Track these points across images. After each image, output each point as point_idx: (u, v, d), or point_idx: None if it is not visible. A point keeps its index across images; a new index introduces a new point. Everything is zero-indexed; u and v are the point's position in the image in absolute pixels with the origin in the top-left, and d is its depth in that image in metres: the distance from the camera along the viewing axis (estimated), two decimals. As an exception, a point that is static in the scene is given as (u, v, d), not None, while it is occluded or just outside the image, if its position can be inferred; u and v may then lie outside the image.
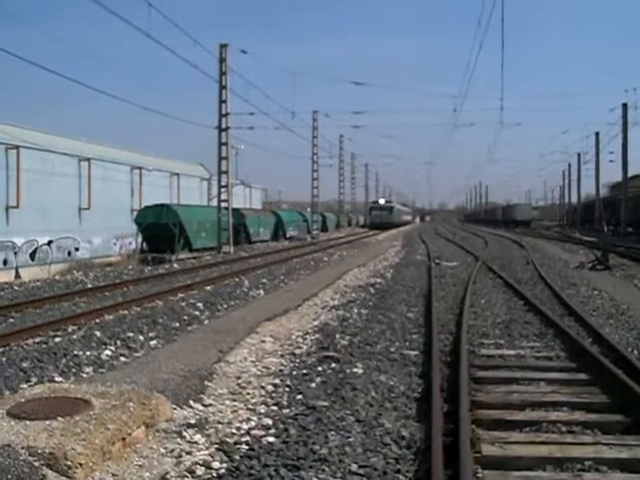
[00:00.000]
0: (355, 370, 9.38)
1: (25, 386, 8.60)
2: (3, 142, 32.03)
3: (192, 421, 7.23)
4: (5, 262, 32.06)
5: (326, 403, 7.73)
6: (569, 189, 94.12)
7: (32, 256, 33.93)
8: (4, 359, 10.22)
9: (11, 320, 14.48)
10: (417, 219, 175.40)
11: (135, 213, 39.89)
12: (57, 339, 11.93)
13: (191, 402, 7.92)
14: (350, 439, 6.54)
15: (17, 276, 30.96)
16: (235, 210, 43.93)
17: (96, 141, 44.07)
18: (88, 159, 38.19)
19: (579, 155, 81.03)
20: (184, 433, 6.81)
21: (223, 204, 40.13)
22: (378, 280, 22.00)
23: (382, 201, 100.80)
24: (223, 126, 39.37)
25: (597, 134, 69.36)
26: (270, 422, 7.18)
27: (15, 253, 32.66)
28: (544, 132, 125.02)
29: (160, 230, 34.71)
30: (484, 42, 31.23)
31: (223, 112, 39.20)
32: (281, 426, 7.01)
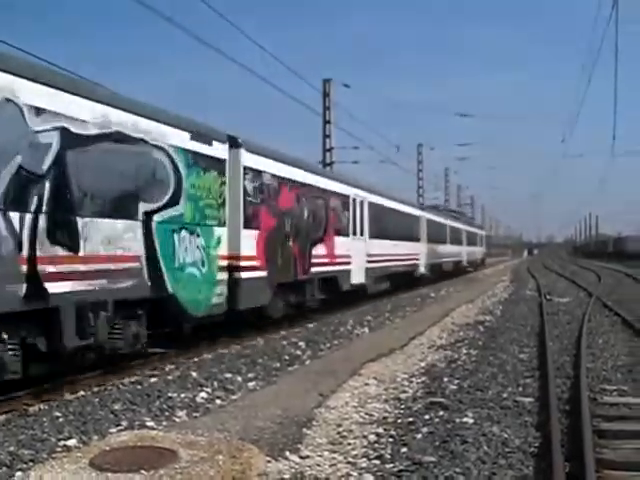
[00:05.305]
0: (465, 419, 8.62)
1: (114, 430, 8.23)
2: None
3: (287, 476, 6.65)
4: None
5: (433, 458, 7.01)
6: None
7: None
8: (97, 400, 9.93)
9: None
10: (525, 252, 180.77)
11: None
12: (153, 379, 11.59)
13: (287, 453, 7.32)
14: (461, 504, 5.83)
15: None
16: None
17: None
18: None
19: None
20: (276, 490, 6.25)
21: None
22: (487, 317, 21.13)
23: None
24: (327, 161, 39.16)
25: None
26: (371, 479, 6.53)
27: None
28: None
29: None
30: (595, 66, 30.00)
31: (327, 147, 39.02)
32: (383, 484, 6.37)
